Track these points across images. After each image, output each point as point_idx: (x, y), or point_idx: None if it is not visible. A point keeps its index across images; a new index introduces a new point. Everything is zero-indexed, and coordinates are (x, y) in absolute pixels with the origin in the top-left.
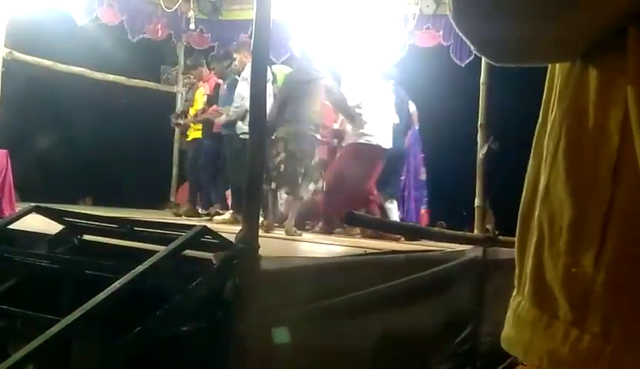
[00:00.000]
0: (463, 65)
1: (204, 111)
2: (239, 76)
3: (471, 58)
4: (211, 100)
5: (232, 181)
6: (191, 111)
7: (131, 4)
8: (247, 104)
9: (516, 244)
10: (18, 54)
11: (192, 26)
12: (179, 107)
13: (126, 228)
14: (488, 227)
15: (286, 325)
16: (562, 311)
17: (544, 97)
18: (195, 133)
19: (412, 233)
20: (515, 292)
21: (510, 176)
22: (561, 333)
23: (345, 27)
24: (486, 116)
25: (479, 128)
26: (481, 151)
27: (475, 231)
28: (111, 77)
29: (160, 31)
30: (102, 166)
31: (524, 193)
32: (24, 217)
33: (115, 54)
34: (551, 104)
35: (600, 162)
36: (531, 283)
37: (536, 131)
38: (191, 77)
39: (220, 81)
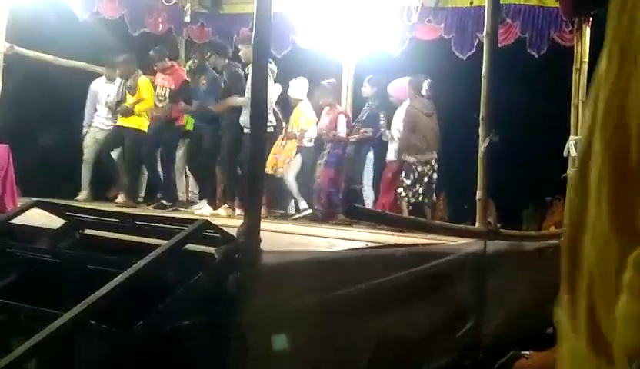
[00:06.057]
0: (464, 58)
1: (175, 102)
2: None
3: (472, 51)
4: (174, 94)
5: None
6: (131, 99)
7: None
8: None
9: (562, 280)
10: (18, 49)
11: (187, 18)
12: (116, 95)
13: (128, 222)
14: (490, 220)
15: (288, 319)
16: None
17: (587, 125)
18: (134, 121)
19: (414, 226)
20: (568, 326)
21: (512, 169)
22: None
23: (346, 20)
24: (487, 109)
25: (481, 121)
26: (483, 144)
27: (477, 224)
28: None
29: (160, 25)
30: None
31: (566, 229)
32: (26, 212)
33: (115, 49)
34: (595, 135)
35: None
36: (587, 327)
37: (579, 163)
38: (157, 67)
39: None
